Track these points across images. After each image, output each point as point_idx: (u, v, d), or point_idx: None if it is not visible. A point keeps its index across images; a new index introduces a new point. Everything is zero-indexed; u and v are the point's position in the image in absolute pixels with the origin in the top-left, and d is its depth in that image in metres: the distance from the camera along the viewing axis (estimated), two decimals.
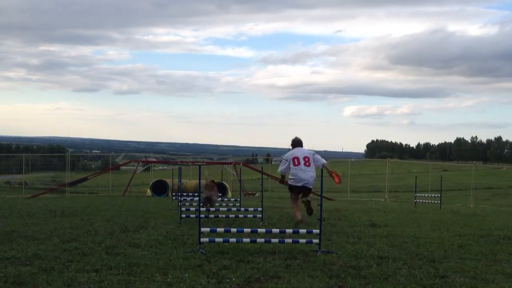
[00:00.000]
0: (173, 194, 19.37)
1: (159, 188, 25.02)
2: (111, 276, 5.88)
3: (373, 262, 6.87)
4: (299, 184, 10.02)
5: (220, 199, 15.29)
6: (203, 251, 7.31)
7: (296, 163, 10.17)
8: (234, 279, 5.81)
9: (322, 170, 8.50)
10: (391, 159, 39.80)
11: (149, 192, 24.81)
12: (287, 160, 10.32)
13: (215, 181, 13.26)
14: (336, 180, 10.13)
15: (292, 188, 10.17)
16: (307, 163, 10.17)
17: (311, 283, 5.72)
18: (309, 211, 10.02)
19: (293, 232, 7.91)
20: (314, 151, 10.73)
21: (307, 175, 10.10)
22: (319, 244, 7.52)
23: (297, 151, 10.49)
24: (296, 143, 10.71)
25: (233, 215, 11.50)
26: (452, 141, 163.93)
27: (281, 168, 10.43)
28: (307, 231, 7.86)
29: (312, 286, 5.63)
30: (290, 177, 10.20)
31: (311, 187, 10.15)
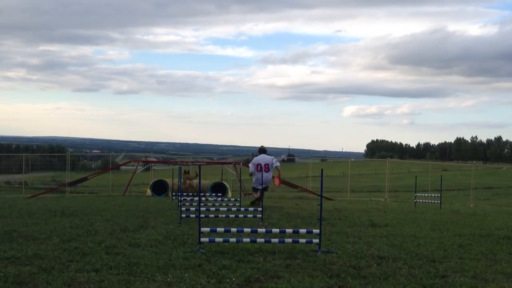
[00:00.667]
0: (173, 194, 19.37)
1: (159, 188, 25.01)
2: (111, 276, 5.89)
3: (373, 262, 6.88)
4: (260, 187, 13.51)
5: (220, 199, 15.30)
6: (203, 251, 7.31)
7: (258, 170, 13.51)
8: (234, 279, 5.82)
9: (322, 171, 8.49)
10: (391, 159, 39.78)
11: (149, 192, 24.80)
12: (254, 164, 13.78)
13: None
14: (275, 183, 14.19)
15: (254, 189, 14.02)
16: (266, 169, 13.59)
17: (311, 283, 5.72)
18: (259, 200, 13.27)
19: (293, 231, 7.91)
20: (274, 157, 14.21)
21: (266, 178, 13.61)
22: (319, 244, 7.52)
23: (260, 159, 13.75)
24: (261, 151, 13.98)
25: (233, 215, 11.50)
26: (452, 141, 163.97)
27: (250, 170, 13.92)
28: (307, 231, 7.87)
29: (312, 286, 5.63)
30: (254, 180, 13.78)
31: (268, 185, 14.21)
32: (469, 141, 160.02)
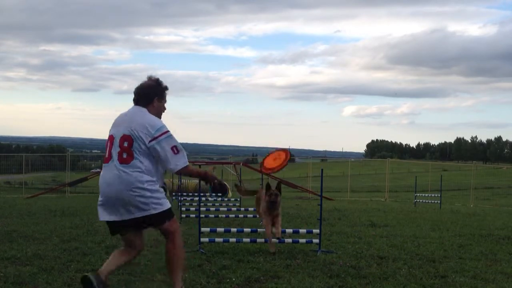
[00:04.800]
0: (173, 194, 19.38)
1: None
2: (111, 276, 5.87)
3: (373, 262, 6.88)
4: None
5: (220, 199, 15.31)
6: (203, 251, 7.31)
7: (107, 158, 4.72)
8: (234, 279, 5.82)
9: (322, 171, 8.47)
10: (391, 159, 39.80)
11: None
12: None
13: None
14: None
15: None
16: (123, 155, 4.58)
17: (311, 283, 5.72)
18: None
19: (293, 231, 7.92)
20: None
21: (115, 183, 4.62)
22: (319, 244, 7.52)
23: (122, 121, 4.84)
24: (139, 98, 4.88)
25: (233, 215, 11.50)
26: (452, 141, 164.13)
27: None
28: (307, 231, 7.87)
29: (312, 286, 5.63)
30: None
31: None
32: (469, 141, 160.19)
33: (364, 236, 9.11)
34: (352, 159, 66.74)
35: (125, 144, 4.54)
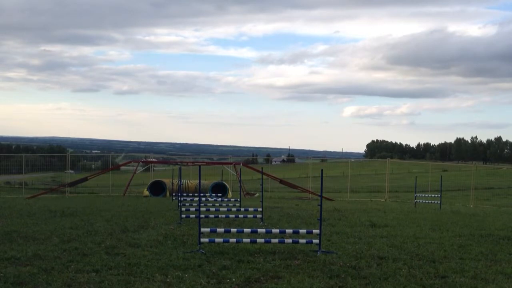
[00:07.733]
0: (173, 194, 19.38)
1: (157, 188, 25.03)
2: (111, 276, 5.89)
3: (373, 262, 6.88)
4: None
5: (220, 199, 15.31)
6: (203, 251, 7.31)
7: None
8: (234, 279, 5.82)
9: (322, 171, 8.47)
10: (391, 159, 39.81)
11: (146, 192, 24.77)
12: None
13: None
14: None
15: None
16: None
17: (311, 283, 5.72)
18: None
19: (293, 232, 7.92)
20: None
21: None
22: (319, 244, 7.53)
23: None
24: None
25: (233, 216, 11.50)
26: (452, 141, 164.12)
27: None
28: (307, 231, 7.87)
29: (312, 286, 5.63)
30: None
31: None
32: (469, 141, 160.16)
33: (364, 237, 9.11)
34: (352, 160, 66.74)
35: None
